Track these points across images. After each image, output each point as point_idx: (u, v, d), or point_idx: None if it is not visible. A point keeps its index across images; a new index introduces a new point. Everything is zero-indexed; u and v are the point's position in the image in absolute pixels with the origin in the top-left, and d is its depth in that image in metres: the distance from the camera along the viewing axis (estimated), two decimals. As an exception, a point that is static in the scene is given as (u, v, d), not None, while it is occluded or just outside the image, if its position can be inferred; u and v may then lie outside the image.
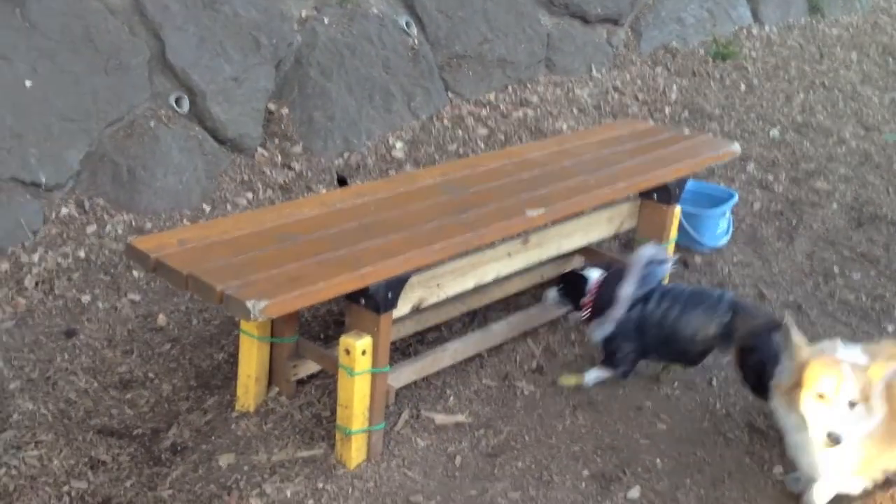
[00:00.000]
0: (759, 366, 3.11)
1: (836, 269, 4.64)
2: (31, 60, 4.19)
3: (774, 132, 6.55)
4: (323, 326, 3.80)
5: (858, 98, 7.47)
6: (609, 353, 3.43)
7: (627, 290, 3.33)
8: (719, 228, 4.73)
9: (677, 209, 3.97)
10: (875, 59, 8.52)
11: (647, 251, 3.42)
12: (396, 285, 2.83)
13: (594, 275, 3.45)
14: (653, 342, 3.34)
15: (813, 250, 4.85)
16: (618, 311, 3.33)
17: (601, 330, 3.39)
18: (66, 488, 2.83)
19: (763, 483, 3.06)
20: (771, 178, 5.75)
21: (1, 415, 3.12)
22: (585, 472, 3.07)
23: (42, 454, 2.95)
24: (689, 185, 4.40)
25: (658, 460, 3.14)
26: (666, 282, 3.59)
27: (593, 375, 3.49)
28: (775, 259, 4.72)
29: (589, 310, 3.41)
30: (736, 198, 4.79)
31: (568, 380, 3.51)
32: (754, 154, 6.09)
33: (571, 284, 3.49)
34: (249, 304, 2.41)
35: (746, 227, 5.06)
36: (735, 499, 2.98)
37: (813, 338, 3.89)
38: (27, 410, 3.15)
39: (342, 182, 3.87)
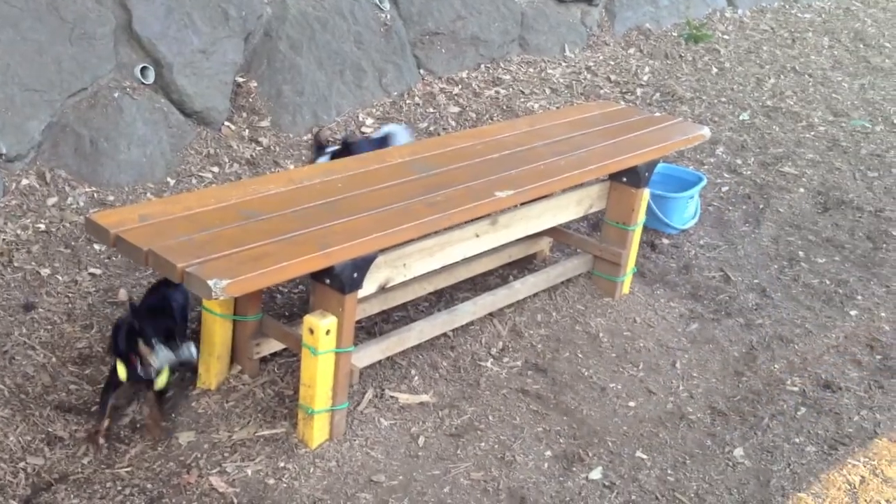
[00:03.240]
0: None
1: (801, 254, 4.68)
2: (-8, 27, 4.09)
3: (744, 116, 6.57)
4: (287, 304, 3.77)
5: (828, 83, 7.52)
6: None
7: None
8: (687, 211, 4.74)
9: (646, 192, 3.96)
10: (846, 45, 8.57)
11: None
12: (362, 265, 2.81)
13: None
14: None
15: (779, 234, 4.88)
16: None
17: None
18: (21, 464, 2.79)
19: (724, 466, 3.08)
20: (739, 161, 5.77)
21: (-43, 389, 3.06)
22: (548, 453, 3.07)
23: (-2, 430, 2.91)
24: (659, 167, 4.40)
25: (620, 441, 3.15)
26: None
27: None
28: (741, 242, 4.74)
29: None
30: (704, 181, 4.81)
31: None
32: (724, 138, 6.11)
33: None
34: (211, 282, 2.37)
35: (714, 210, 5.08)
36: (696, 480, 3.00)
37: (777, 321, 3.95)
38: (-16, 385, 3.10)
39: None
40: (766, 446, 3.19)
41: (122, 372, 2.88)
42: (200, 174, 4.60)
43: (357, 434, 3.04)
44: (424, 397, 3.27)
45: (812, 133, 6.41)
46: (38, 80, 4.21)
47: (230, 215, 2.83)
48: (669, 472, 3.03)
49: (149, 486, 2.74)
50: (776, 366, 3.67)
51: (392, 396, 3.25)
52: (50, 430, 2.94)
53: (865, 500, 2.98)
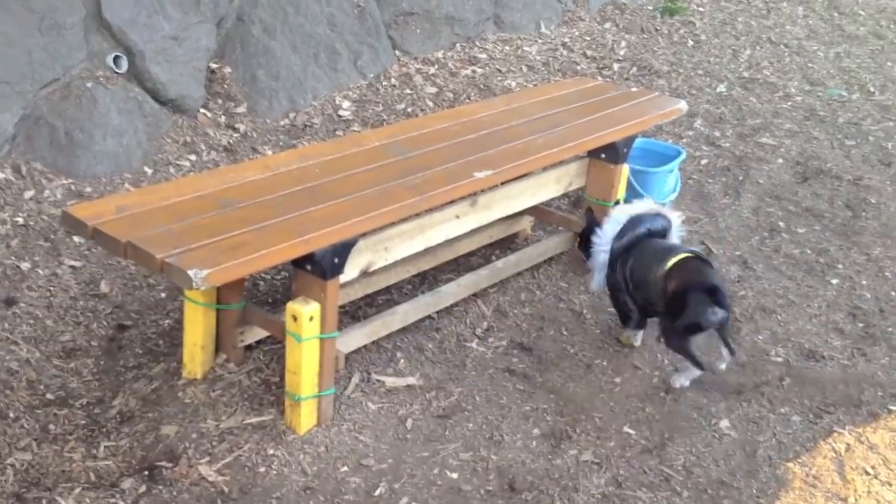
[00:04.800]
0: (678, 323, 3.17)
1: (781, 224, 4.70)
2: (-40, 20, 4.03)
3: (721, 88, 6.58)
4: (271, 290, 3.75)
5: (804, 53, 7.53)
6: (616, 308, 3.53)
7: (601, 239, 3.43)
8: (667, 186, 4.74)
9: (625, 168, 3.97)
10: (821, 14, 8.58)
11: (626, 208, 3.49)
12: (343, 250, 2.80)
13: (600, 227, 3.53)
14: (635, 294, 3.39)
15: (759, 205, 4.90)
16: (598, 260, 3.44)
17: (592, 280, 3.54)
18: (10, 461, 2.77)
19: (710, 438, 3.10)
20: (718, 134, 5.78)
21: (-61, 388, 3.04)
22: (536, 432, 3.08)
23: (-17, 427, 2.89)
24: (638, 142, 4.40)
25: (608, 418, 3.17)
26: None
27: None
28: (722, 215, 4.76)
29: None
30: (683, 155, 4.81)
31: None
32: (701, 110, 6.12)
33: (584, 235, 3.64)
34: (191, 272, 2.36)
35: (694, 184, 5.09)
36: (683, 453, 3.02)
37: (759, 292, 3.97)
38: (-34, 383, 3.07)
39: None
40: (751, 417, 3.22)
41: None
42: (178, 163, 4.56)
43: (345, 419, 3.04)
44: (411, 380, 3.27)
45: (789, 103, 6.43)
46: (9, 72, 4.15)
47: (208, 204, 2.81)
48: (657, 445, 3.05)
49: (138, 477, 2.73)
50: (760, 337, 3.70)
51: (378, 380, 3.25)
52: (37, 425, 2.93)
53: (851, 467, 3.01)
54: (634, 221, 3.43)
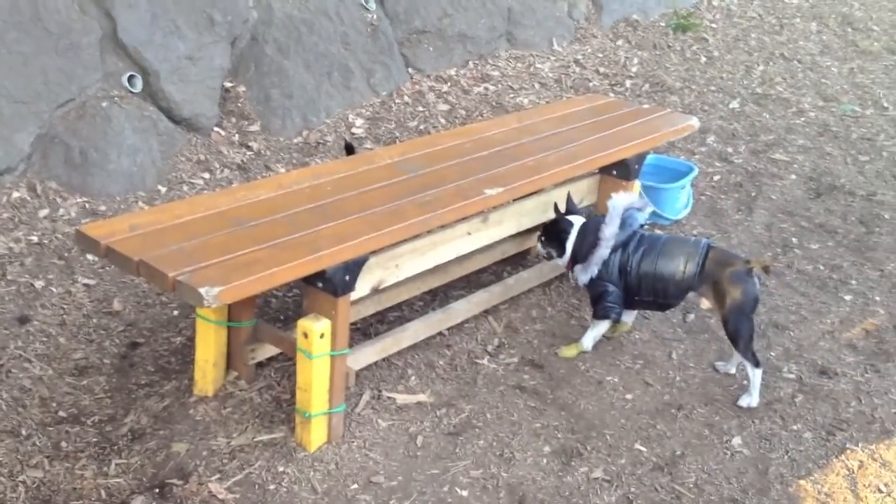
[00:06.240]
0: (740, 305, 3.25)
1: (794, 240, 4.68)
2: (-22, 41, 4.09)
3: (734, 104, 6.58)
4: (283, 307, 3.77)
5: (817, 69, 7.52)
6: (596, 300, 3.48)
7: (609, 232, 3.37)
8: (679, 202, 4.75)
9: (636, 184, 3.97)
10: (834, 30, 8.57)
11: (623, 197, 3.46)
12: (354, 268, 2.81)
13: (577, 220, 3.48)
14: (635, 285, 3.41)
15: (772, 221, 4.88)
16: (601, 253, 3.38)
17: (585, 273, 3.44)
18: (21, 478, 2.79)
19: (722, 455, 3.09)
20: (730, 150, 5.78)
21: (-47, 405, 3.06)
22: (547, 449, 3.07)
23: (-4, 444, 2.91)
24: (650, 158, 4.40)
25: (619, 434, 3.16)
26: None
27: (590, 338, 3.56)
28: (735, 231, 4.75)
29: (571, 254, 3.47)
30: (695, 171, 4.81)
31: (567, 351, 3.57)
32: (714, 126, 6.12)
33: (554, 230, 3.51)
34: (202, 290, 2.37)
35: (706, 200, 5.08)
36: (695, 471, 3.00)
37: (772, 308, 3.96)
38: (-20, 400, 3.10)
39: (350, 150, 3.89)
40: (763, 434, 3.20)
41: None
42: (192, 181, 4.60)
43: (355, 436, 3.04)
44: (422, 397, 3.28)
45: (802, 119, 6.42)
46: (25, 91, 4.20)
47: (220, 223, 2.83)
48: (669, 463, 3.04)
49: (149, 495, 2.74)
50: (772, 353, 3.68)
51: (389, 397, 3.25)
52: (49, 442, 2.94)
53: (864, 485, 2.99)
54: (630, 213, 3.45)
